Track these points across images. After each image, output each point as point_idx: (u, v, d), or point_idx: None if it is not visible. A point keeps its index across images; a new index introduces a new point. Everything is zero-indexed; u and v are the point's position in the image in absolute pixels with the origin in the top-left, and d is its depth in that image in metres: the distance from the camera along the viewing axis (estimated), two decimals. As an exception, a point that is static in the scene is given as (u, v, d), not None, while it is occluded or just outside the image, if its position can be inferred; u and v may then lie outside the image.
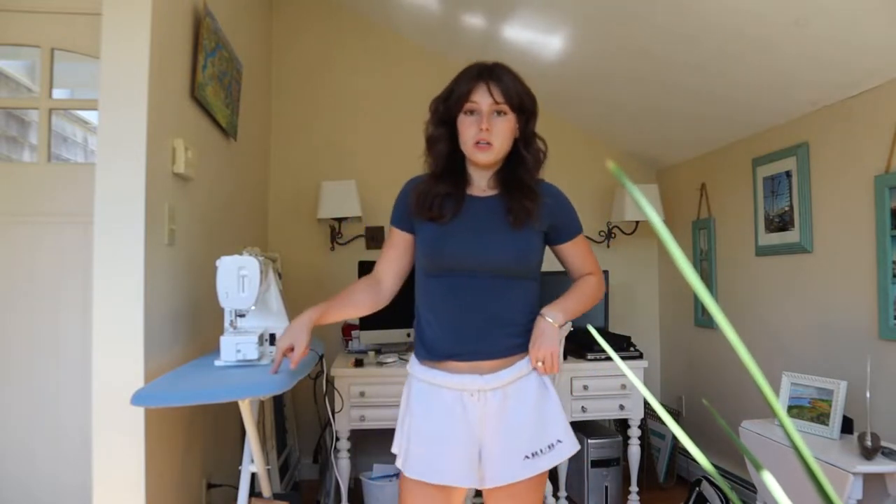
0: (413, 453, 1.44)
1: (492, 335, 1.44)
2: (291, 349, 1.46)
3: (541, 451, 1.42)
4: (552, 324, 1.44)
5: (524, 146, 1.49)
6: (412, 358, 1.55)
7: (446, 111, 1.50)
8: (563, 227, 1.54)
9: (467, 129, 1.45)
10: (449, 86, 1.52)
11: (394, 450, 1.51)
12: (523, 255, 1.46)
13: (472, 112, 1.45)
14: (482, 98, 1.44)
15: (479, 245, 1.44)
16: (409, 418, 1.47)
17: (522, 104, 1.47)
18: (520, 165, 1.49)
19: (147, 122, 1.65)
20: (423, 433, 1.44)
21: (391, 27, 3.60)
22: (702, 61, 2.46)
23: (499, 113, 1.44)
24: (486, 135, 1.42)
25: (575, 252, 1.57)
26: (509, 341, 1.46)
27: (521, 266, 1.46)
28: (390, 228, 1.60)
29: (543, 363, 1.44)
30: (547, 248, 1.58)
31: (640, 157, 3.75)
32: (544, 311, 1.47)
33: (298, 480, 3.28)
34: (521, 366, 1.47)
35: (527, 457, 1.41)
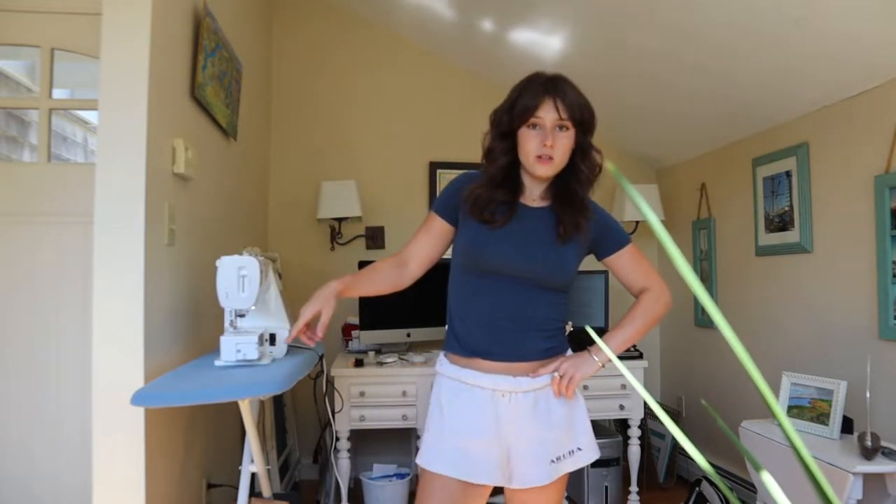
0: (440, 448, 1.44)
1: (527, 338, 1.46)
2: (312, 322, 1.49)
3: (563, 455, 1.45)
4: (595, 362, 1.48)
5: (581, 158, 1.50)
6: (441, 357, 1.56)
7: (509, 123, 1.48)
8: (608, 239, 1.55)
9: (530, 142, 1.45)
10: (511, 97, 1.49)
11: (421, 445, 1.52)
12: (564, 268, 1.47)
13: (535, 126, 1.45)
14: (547, 113, 1.43)
15: (523, 254, 1.45)
16: (440, 414, 1.47)
17: (583, 118, 1.47)
18: (574, 178, 1.50)
19: (147, 122, 1.65)
20: (454, 429, 1.44)
21: (391, 27, 3.61)
22: (702, 61, 2.46)
23: (561, 128, 1.45)
24: (550, 150, 1.43)
25: (623, 263, 1.55)
26: (543, 344, 1.49)
27: (560, 279, 1.48)
28: (430, 214, 1.59)
29: (561, 378, 1.46)
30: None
31: (640, 157, 3.75)
32: (594, 349, 1.49)
33: (298, 480, 3.28)
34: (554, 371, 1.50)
35: (552, 461, 1.44)
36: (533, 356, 1.47)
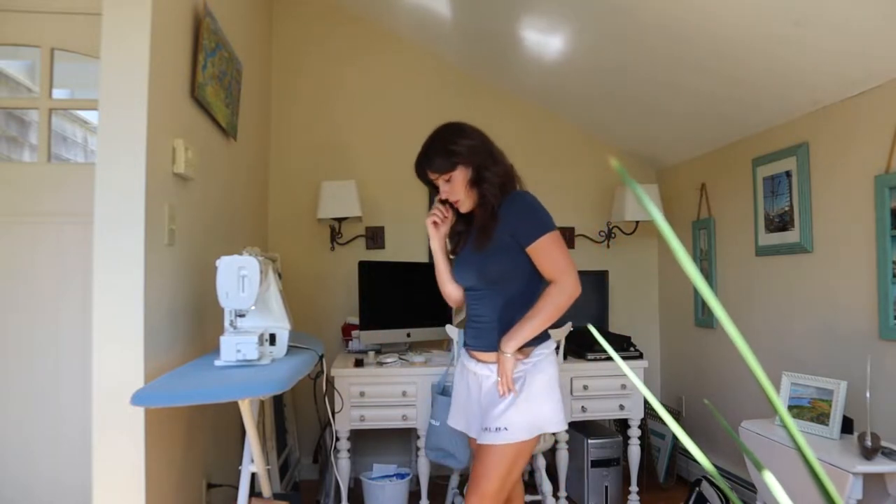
0: (561, 409, 1.81)
1: (482, 333, 1.84)
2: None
3: (490, 428, 1.74)
4: (509, 358, 1.74)
5: (478, 182, 1.79)
6: (544, 346, 1.84)
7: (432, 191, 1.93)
8: (519, 234, 1.75)
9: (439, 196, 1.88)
10: None
11: (552, 421, 1.81)
12: (484, 271, 1.78)
13: (436, 187, 1.86)
14: (430, 180, 1.86)
15: (458, 269, 1.90)
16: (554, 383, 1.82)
17: (449, 163, 1.78)
18: (482, 195, 1.80)
19: (147, 122, 1.65)
20: (456, 398, 1.97)
21: (391, 28, 3.61)
22: (702, 61, 2.46)
23: (447, 181, 1.81)
24: (448, 196, 1.83)
25: (535, 256, 1.75)
26: (497, 338, 1.79)
27: (486, 280, 1.79)
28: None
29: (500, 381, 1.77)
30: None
31: (640, 156, 3.76)
32: (500, 344, 1.76)
33: (298, 480, 3.28)
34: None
35: (486, 429, 1.75)
36: (493, 347, 1.80)
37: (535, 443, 1.78)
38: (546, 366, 1.78)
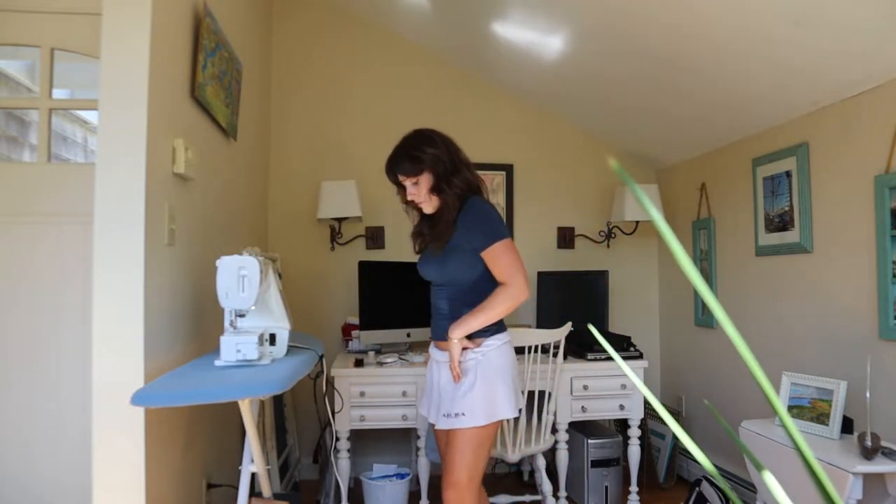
0: (512, 398, 1.95)
1: (440, 323, 2.00)
2: None
3: (449, 414, 1.89)
4: (453, 340, 1.89)
5: (444, 188, 1.92)
6: (493, 339, 1.97)
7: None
8: (474, 241, 1.89)
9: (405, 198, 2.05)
10: None
11: (501, 407, 1.94)
12: (443, 271, 1.95)
13: (404, 188, 2.00)
14: (398, 182, 2.02)
15: (422, 266, 2.05)
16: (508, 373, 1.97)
17: (415, 169, 1.92)
18: (444, 202, 1.94)
19: (147, 122, 1.65)
20: (425, 386, 2.14)
21: (392, 27, 3.61)
22: (702, 61, 2.46)
23: (413, 183, 1.96)
24: (413, 197, 1.97)
25: (488, 262, 1.90)
26: (447, 327, 1.96)
27: (445, 279, 1.96)
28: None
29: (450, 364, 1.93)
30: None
31: (640, 157, 3.75)
32: (448, 331, 1.91)
33: (298, 480, 3.28)
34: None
35: (445, 415, 1.91)
36: (443, 337, 1.96)
37: (494, 430, 1.92)
38: (497, 355, 1.93)
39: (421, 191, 1.95)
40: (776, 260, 2.71)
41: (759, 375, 0.33)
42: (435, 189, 1.94)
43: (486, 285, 1.93)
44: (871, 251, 2.17)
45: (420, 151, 1.93)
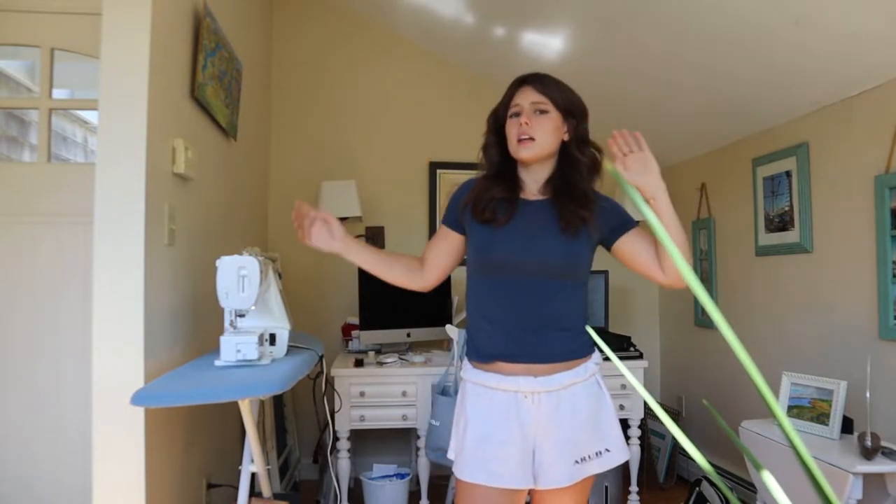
0: (468, 456, 1.43)
1: (547, 337, 1.44)
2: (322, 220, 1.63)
3: (589, 457, 1.43)
4: (658, 175, 1.49)
5: (577, 149, 1.51)
6: (465, 363, 1.55)
7: (496, 121, 1.55)
8: (620, 223, 1.53)
9: (512, 130, 1.49)
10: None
11: (450, 455, 1.51)
12: (571, 258, 1.46)
13: (516, 115, 1.49)
14: (523, 98, 1.49)
15: (528, 247, 1.44)
16: (464, 421, 1.47)
17: (568, 106, 1.50)
18: (571, 169, 1.51)
19: (147, 122, 1.65)
20: (479, 435, 1.43)
21: (391, 27, 3.61)
22: (702, 61, 2.46)
23: (541, 112, 1.47)
24: (526, 129, 1.45)
25: (638, 240, 1.52)
26: (564, 346, 1.46)
27: (569, 269, 1.46)
28: (440, 227, 1.64)
29: (626, 142, 1.49)
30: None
31: (640, 157, 3.75)
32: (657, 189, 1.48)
33: (298, 480, 3.28)
34: (579, 371, 1.47)
35: (577, 461, 1.42)
36: (555, 357, 1.44)
37: None
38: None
39: (546, 126, 1.46)
40: (776, 260, 2.71)
41: (757, 378, 0.33)
42: (575, 145, 1.52)
43: (586, 289, 1.54)
44: (871, 251, 2.17)
45: (573, 94, 1.52)
